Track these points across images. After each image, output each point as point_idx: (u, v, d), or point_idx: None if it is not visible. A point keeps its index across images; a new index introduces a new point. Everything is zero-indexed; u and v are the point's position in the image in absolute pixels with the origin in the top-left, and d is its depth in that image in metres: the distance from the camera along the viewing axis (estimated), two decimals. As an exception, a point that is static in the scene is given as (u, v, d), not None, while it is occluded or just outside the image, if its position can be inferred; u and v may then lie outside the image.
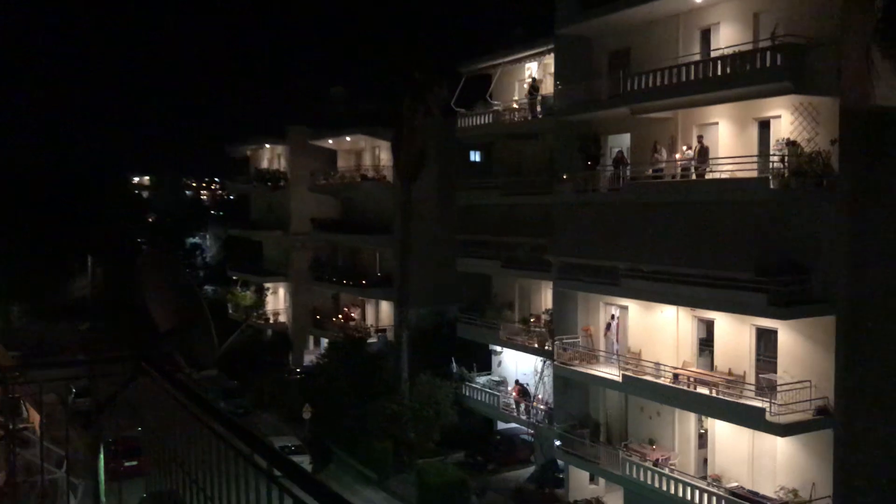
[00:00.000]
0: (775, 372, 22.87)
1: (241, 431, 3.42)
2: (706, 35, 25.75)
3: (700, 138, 25.17)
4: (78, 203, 68.61)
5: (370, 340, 42.77)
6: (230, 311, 53.57)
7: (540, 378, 33.03)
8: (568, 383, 29.62)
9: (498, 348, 36.26)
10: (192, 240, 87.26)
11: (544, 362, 32.20)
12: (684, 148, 25.75)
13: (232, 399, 42.18)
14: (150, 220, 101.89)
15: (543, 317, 32.64)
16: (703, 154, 24.81)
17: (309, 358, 48.51)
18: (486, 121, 34.62)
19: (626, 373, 26.16)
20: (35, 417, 12.30)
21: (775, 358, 23.13)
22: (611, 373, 26.97)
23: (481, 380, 36.43)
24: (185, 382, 4.39)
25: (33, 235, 60.09)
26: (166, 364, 4.86)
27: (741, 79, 22.10)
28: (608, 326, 29.28)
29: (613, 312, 29.18)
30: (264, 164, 57.48)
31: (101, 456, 5.68)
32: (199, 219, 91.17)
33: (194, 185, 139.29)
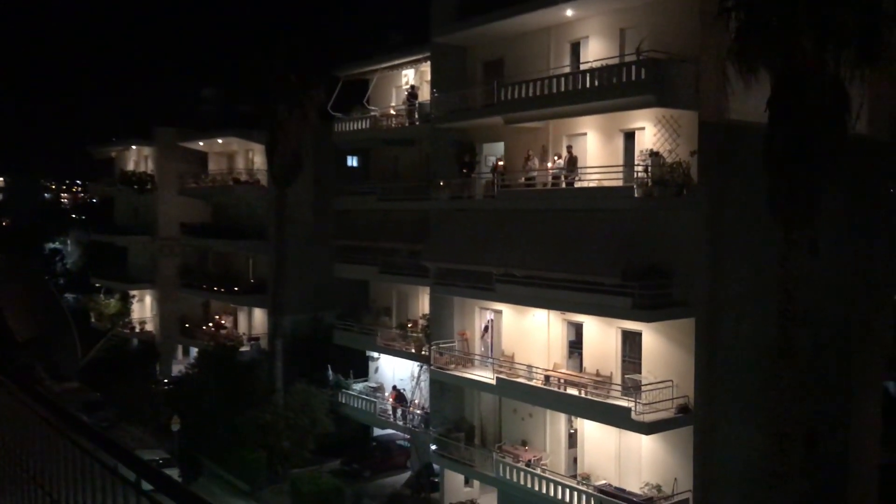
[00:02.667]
0: (640, 372, 23.87)
1: (108, 444, 3.28)
2: (576, 48, 26.66)
3: (569, 148, 26.04)
4: (-79, 205, 63.69)
5: (243, 349, 41.77)
6: (93, 320, 51.03)
7: (417, 383, 33.19)
8: (444, 387, 29.89)
9: (375, 354, 36.18)
10: (51, 245, 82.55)
11: (421, 367, 32.38)
12: (555, 157, 26.55)
13: (95, 412, 40.12)
14: (4, 223, 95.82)
15: (420, 322, 32.82)
16: (571, 163, 25.67)
17: (178, 368, 46.86)
18: (364, 126, 34.51)
19: (500, 376, 26.65)
20: None
21: (640, 359, 24.14)
22: (485, 376, 27.41)
23: (358, 386, 36.23)
24: (46, 395, 4.16)
25: None
26: (24, 376, 4.59)
27: (608, 91, 23.00)
28: (486, 329, 29.74)
29: (489, 317, 29.69)
30: (130, 167, 55.07)
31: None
32: (58, 223, 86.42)
33: (53, 187, 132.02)
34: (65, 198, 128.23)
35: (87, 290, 56.76)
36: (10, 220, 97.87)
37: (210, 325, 46.13)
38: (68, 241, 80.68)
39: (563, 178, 25.77)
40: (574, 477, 25.42)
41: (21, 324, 4.99)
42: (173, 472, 31.45)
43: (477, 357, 29.22)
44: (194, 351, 44.82)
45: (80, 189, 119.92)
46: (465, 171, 29.30)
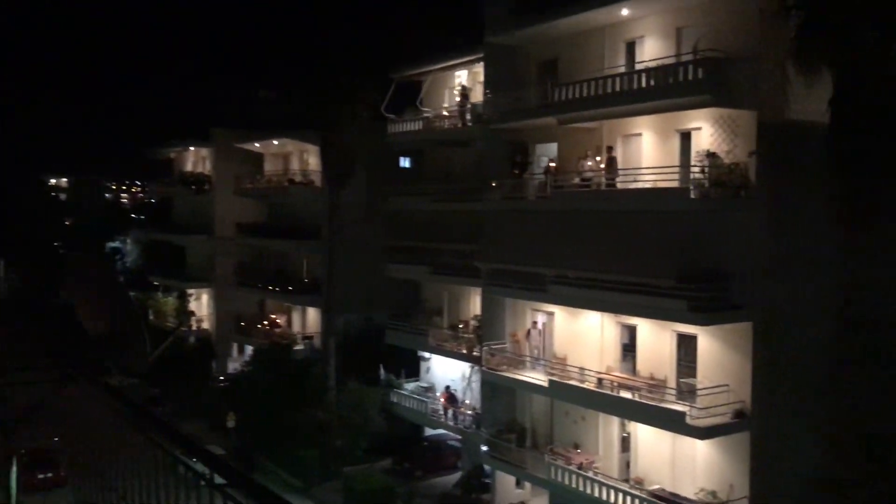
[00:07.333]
0: (695, 376, 23.51)
1: (181, 438, 3.37)
2: (631, 48, 26.38)
3: (609, 149, 25.84)
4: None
5: (297, 347, 42.30)
6: (151, 318, 52.23)
7: (468, 384, 33.21)
8: (495, 389, 29.85)
9: (427, 354, 36.30)
10: (111, 244, 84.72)
11: (472, 368, 32.40)
12: (597, 158, 26.31)
13: (152, 408, 41.10)
14: (68, 223, 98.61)
15: (472, 323, 32.84)
16: (611, 164, 25.47)
17: (233, 365, 47.67)
18: (417, 127, 34.68)
19: (553, 378, 26.51)
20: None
21: (695, 363, 23.77)
22: (538, 378, 27.30)
23: (409, 386, 36.42)
24: (119, 390, 4.29)
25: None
26: (96, 371, 4.73)
27: (664, 91, 22.72)
28: (528, 333, 29.58)
29: (535, 319, 29.53)
30: (188, 167, 56.27)
31: (14, 468, 5.49)
32: (119, 222, 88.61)
33: (114, 187, 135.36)
34: (124, 198, 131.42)
35: (145, 289, 58.11)
36: (73, 220, 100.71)
37: (265, 323, 46.82)
38: (128, 241, 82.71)
39: (602, 180, 25.57)
40: (627, 481, 25.16)
41: (93, 321, 5.14)
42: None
43: (529, 359, 29.10)
44: (249, 349, 45.54)
45: (139, 189, 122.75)
46: (517, 171, 29.22)
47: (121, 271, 75.41)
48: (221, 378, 46.18)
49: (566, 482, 25.60)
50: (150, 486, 3.71)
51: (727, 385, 22.39)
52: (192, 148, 55.64)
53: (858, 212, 18.77)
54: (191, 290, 53.47)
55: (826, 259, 21.09)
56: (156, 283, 56.93)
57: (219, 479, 2.99)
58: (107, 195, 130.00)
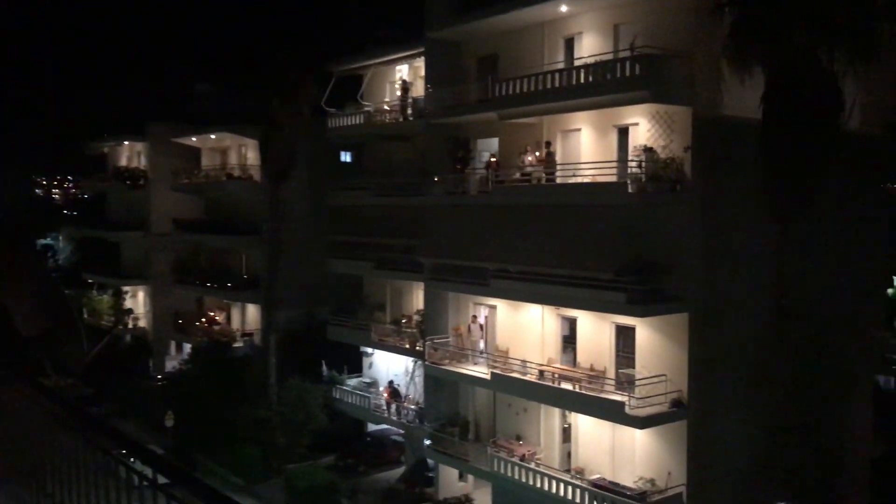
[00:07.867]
0: (634, 367, 23.96)
1: (121, 438, 3.31)
2: (570, 44, 26.69)
3: (548, 144, 26.14)
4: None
5: (236, 345, 41.73)
6: (86, 316, 50.89)
7: (411, 378, 33.21)
8: (439, 383, 29.93)
9: (369, 350, 36.18)
10: (43, 240, 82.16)
11: (415, 362, 32.41)
12: (537, 153, 26.59)
13: (89, 407, 40.05)
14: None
15: (415, 317, 32.83)
16: (549, 159, 25.76)
17: (171, 364, 46.78)
18: (357, 121, 34.46)
19: (495, 370, 26.71)
20: None
21: (634, 354, 24.23)
22: (480, 371, 27.46)
23: (352, 382, 36.25)
24: (57, 391, 4.18)
25: None
26: (32, 371, 4.60)
27: (601, 87, 23.04)
28: (469, 327, 29.72)
29: (474, 313, 29.67)
30: (123, 162, 54.90)
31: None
32: (50, 219, 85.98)
33: (45, 182, 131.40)
34: (56, 193, 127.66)
35: (79, 287, 56.57)
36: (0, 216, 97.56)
37: (203, 320, 46.04)
38: (60, 237, 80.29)
39: (542, 175, 25.84)
40: (568, 471, 25.50)
41: (28, 320, 4.99)
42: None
43: (471, 352, 29.24)
44: (188, 347, 44.75)
45: (71, 185, 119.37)
46: (459, 166, 29.31)
47: (53, 269, 73.20)
48: (159, 377, 45.26)
49: (508, 474, 25.83)
50: (90, 489, 3.62)
51: (665, 375, 22.86)
52: (126, 142, 54.31)
53: (789, 205, 19.36)
54: (127, 288, 52.26)
55: (761, 251, 21.72)
56: (90, 280, 55.46)
57: (162, 479, 2.95)
58: (37, 191, 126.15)
